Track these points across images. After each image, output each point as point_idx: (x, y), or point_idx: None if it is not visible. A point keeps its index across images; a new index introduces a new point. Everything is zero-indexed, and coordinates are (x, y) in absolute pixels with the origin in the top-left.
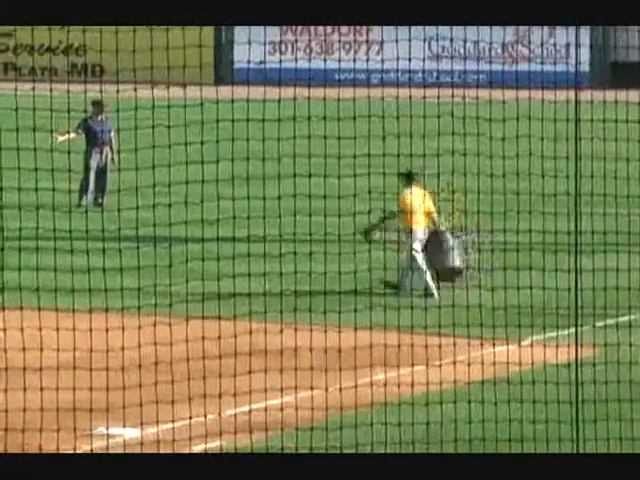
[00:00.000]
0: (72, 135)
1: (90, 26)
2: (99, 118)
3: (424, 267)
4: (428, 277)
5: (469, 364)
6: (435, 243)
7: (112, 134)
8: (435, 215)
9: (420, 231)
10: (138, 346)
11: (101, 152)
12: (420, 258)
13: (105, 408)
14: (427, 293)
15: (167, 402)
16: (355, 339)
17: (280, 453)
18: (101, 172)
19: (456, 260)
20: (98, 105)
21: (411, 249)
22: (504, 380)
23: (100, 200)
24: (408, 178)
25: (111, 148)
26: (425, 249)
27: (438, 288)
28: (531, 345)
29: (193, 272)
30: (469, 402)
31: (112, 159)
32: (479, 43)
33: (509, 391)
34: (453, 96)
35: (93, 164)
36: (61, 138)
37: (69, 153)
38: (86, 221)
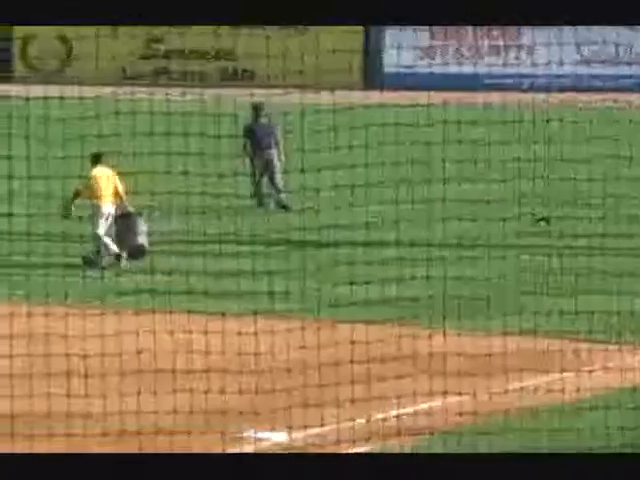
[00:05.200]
0: (244, 157)
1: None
2: (261, 121)
3: (107, 240)
4: (113, 247)
5: (621, 370)
6: (123, 222)
7: (278, 135)
8: (123, 194)
9: (105, 207)
10: (287, 350)
11: (265, 155)
12: (102, 232)
13: (254, 412)
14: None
15: (315, 406)
16: (505, 344)
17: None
18: (270, 175)
19: (141, 239)
20: (258, 109)
21: (98, 222)
22: None
23: (282, 202)
24: (96, 158)
25: (278, 149)
26: (115, 226)
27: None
28: None
29: (341, 276)
30: (620, 408)
31: (280, 160)
32: (632, 47)
33: None
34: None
35: (259, 167)
36: (241, 166)
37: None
38: (235, 224)
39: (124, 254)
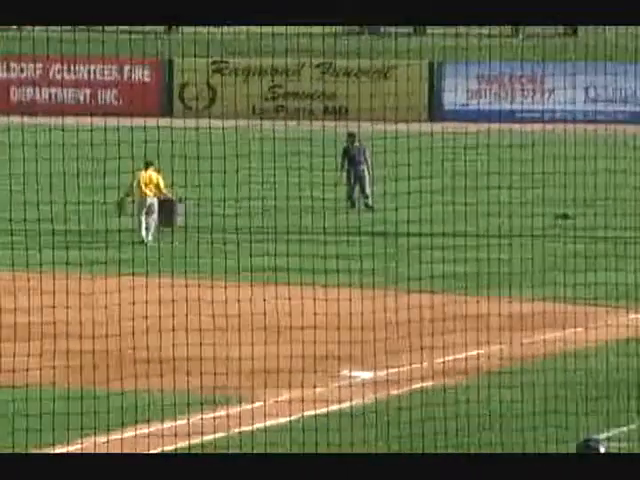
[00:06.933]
0: (341, 172)
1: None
2: (354, 145)
3: (145, 223)
4: (150, 229)
5: (617, 326)
6: (165, 208)
7: (367, 155)
8: (163, 188)
9: (148, 199)
10: (372, 311)
11: (357, 169)
12: (142, 219)
13: (348, 356)
14: (145, 242)
15: (394, 352)
16: (533, 307)
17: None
18: (360, 184)
19: (179, 219)
20: (351, 136)
21: (140, 211)
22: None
23: (368, 203)
24: (146, 165)
25: (367, 165)
26: (159, 212)
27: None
28: None
29: (413, 258)
30: (618, 354)
31: (369, 173)
32: (626, 90)
33: None
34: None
35: (352, 178)
36: (339, 178)
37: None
38: (335, 220)
39: (149, 238)
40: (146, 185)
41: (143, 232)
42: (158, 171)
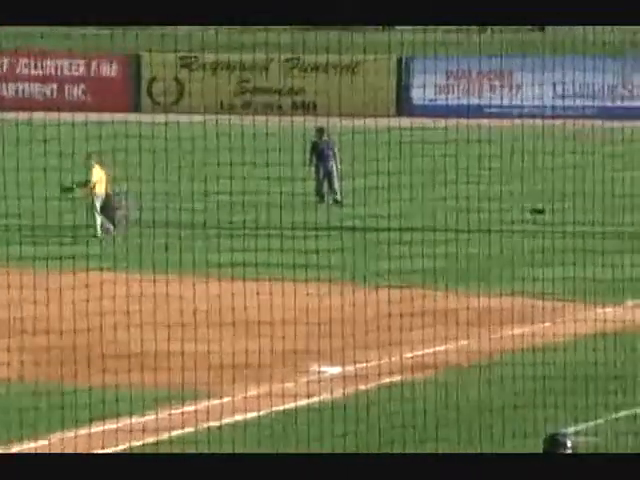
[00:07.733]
0: (310, 166)
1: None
2: (322, 139)
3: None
4: (99, 222)
5: (585, 321)
6: (108, 202)
7: (335, 150)
8: (106, 183)
9: (99, 194)
10: (341, 306)
11: (326, 164)
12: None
13: (317, 351)
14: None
15: (363, 347)
16: (500, 302)
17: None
18: (329, 179)
19: (119, 213)
20: (320, 131)
21: (92, 205)
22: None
23: (337, 199)
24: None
25: (335, 160)
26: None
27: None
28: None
29: (381, 253)
30: (586, 348)
31: (337, 168)
32: (594, 85)
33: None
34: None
35: (321, 173)
36: (308, 173)
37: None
38: (303, 215)
39: (111, 226)
40: (101, 182)
41: (99, 229)
42: (100, 165)
